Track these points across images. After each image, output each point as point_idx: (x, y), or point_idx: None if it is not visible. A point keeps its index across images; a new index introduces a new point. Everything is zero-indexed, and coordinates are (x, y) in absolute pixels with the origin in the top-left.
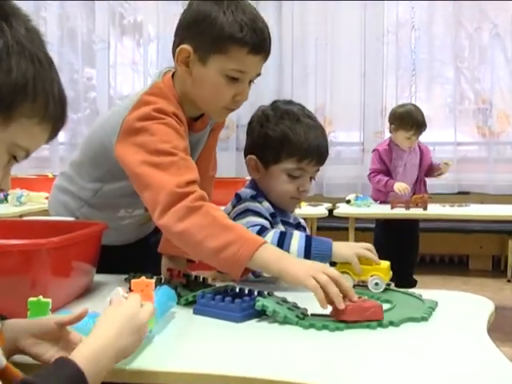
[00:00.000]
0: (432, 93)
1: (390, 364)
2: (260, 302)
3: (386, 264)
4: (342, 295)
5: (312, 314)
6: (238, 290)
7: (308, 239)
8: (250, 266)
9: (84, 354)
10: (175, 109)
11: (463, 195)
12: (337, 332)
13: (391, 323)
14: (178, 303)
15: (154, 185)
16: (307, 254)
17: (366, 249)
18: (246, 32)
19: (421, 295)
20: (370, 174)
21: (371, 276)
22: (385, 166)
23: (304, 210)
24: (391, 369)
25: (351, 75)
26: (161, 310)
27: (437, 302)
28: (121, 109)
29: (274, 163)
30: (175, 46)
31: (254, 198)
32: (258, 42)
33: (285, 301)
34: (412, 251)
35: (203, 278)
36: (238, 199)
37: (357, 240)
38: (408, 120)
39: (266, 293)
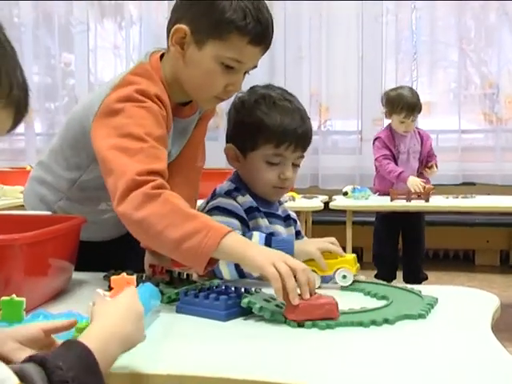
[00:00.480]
0: (435, 77)
1: (383, 364)
2: (246, 299)
3: (351, 256)
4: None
5: None
6: (223, 287)
7: (268, 239)
8: (215, 255)
9: (91, 341)
10: (159, 91)
11: (468, 186)
12: (327, 330)
13: (386, 321)
14: (160, 301)
15: (117, 170)
16: None
17: (329, 243)
18: (249, 20)
19: (420, 291)
20: (378, 158)
21: (338, 269)
22: (390, 152)
23: (298, 202)
24: (384, 369)
25: (348, 59)
26: (144, 308)
27: (437, 299)
28: (102, 89)
29: (252, 150)
30: (171, 23)
31: (229, 194)
32: (261, 32)
33: (273, 298)
34: (416, 245)
35: (187, 275)
36: (213, 195)
37: (356, 235)
38: (398, 103)
39: (253, 289)
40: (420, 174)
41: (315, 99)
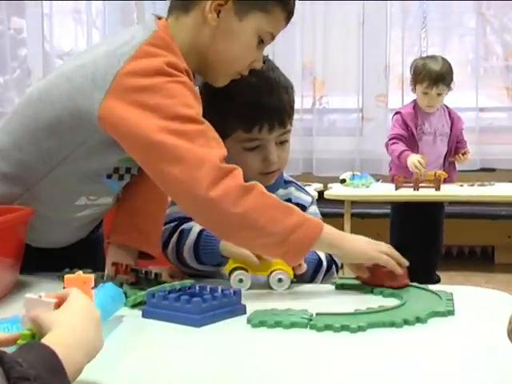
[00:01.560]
0: (448, 47)
1: (430, 366)
2: (256, 321)
3: None
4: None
5: (318, 314)
6: (197, 287)
7: (199, 235)
8: (315, 246)
9: (55, 346)
10: (186, 66)
11: (487, 172)
12: (359, 333)
13: (418, 319)
14: (124, 304)
15: (189, 157)
16: (196, 251)
17: None
18: None
19: (428, 287)
20: (389, 140)
21: (273, 271)
22: (408, 131)
23: None
24: (430, 372)
25: (347, 25)
26: (104, 313)
27: (451, 293)
28: (102, 60)
29: (224, 138)
30: None
31: None
32: (293, 10)
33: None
34: (434, 241)
35: (156, 274)
36: None
37: (355, 229)
38: (420, 70)
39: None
40: (450, 164)
41: (308, 72)
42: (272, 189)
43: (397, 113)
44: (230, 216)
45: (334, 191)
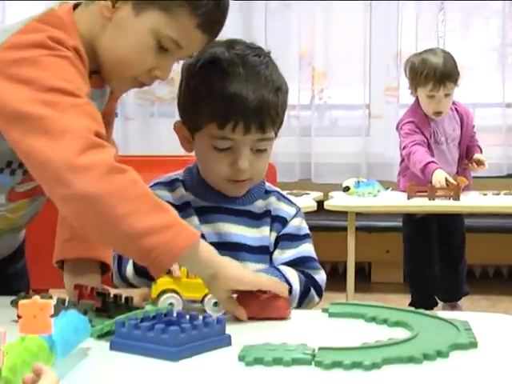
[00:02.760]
0: (471, 32)
1: None
2: (250, 358)
3: None
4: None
5: (322, 348)
6: (174, 314)
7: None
8: (185, 259)
9: None
10: (77, 44)
11: None
12: (374, 371)
13: (439, 353)
14: (90, 335)
15: (53, 127)
16: (136, 265)
17: None
18: (206, 1)
19: (437, 314)
20: (410, 147)
21: (207, 294)
22: (425, 138)
23: None
24: None
25: (352, 8)
26: (65, 345)
27: (467, 322)
28: None
29: (196, 130)
30: None
31: (164, 184)
32: (215, 18)
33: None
34: (458, 253)
35: (126, 298)
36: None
37: (361, 245)
38: (420, 69)
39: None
40: (463, 170)
41: (306, 62)
42: (248, 200)
43: (408, 122)
44: (86, 194)
45: (336, 201)
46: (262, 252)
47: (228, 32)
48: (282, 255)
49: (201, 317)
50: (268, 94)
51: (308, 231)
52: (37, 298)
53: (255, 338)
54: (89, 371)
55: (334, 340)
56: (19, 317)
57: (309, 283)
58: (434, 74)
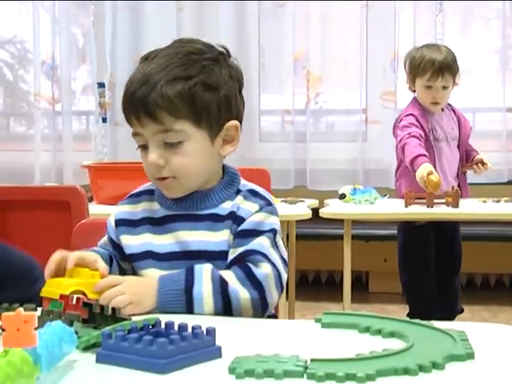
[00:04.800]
0: (471, 34)
1: None
2: (240, 370)
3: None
4: None
5: (314, 360)
6: (163, 326)
7: None
8: None
9: None
10: None
11: None
12: (368, 383)
13: (435, 365)
14: (76, 347)
15: None
16: None
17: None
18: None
19: (432, 324)
20: (406, 139)
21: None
22: (423, 132)
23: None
24: None
25: (347, 8)
26: (51, 358)
27: (464, 332)
28: None
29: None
30: None
31: (132, 196)
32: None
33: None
34: (455, 267)
35: (113, 309)
36: None
37: (358, 254)
38: (419, 61)
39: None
40: (463, 178)
41: (301, 65)
42: (213, 202)
43: (408, 115)
44: None
45: (332, 209)
46: (222, 257)
47: (221, 35)
48: (233, 255)
49: (190, 328)
50: (157, 82)
51: (275, 227)
52: (20, 310)
53: (246, 349)
54: None
55: (326, 351)
56: (2, 329)
57: (228, 282)
58: (432, 64)
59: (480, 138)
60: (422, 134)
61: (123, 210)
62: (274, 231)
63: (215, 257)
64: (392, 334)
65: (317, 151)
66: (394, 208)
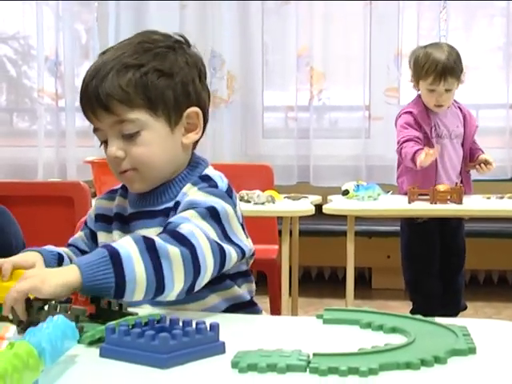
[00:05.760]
0: (475, 31)
1: None
2: (243, 364)
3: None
4: None
5: (316, 354)
6: (168, 321)
7: None
8: None
9: None
10: None
11: None
12: (370, 377)
13: (437, 359)
14: (79, 342)
15: None
16: None
17: None
18: None
19: (434, 320)
20: (402, 143)
21: None
22: (422, 134)
23: (279, 205)
24: None
25: (350, 5)
26: (54, 352)
27: (465, 327)
28: None
29: None
30: None
31: (109, 193)
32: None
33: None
34: (458, 263)
35: (120, 305)
36: None
37: (361, 250)
38: (423, 62)
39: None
40: (466, 175)
41: (304, 61)
42: (170, 196)
43: (406, 112)
44: None
45: (335, 205)
46: None
47: (224, 31)
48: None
49: (194, 323)
50: (108, 72)
51: (214, 205)
52: None
53: (248, 344)
54: (78, 379)
55: (328, 346)
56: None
57: (155, 239)
58: (435, 67)
59: (483, 135)
60: (419, 136)
61: (101, 204)
62: (210, 209)
63: None
64: (394, 330)
65: (320, 147)
66: (398, 204)
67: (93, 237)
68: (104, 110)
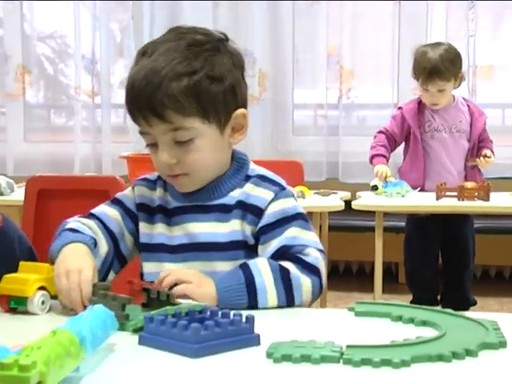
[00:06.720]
0: (502, 31)
1: None
2: (278, 355)
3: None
4: None
5: (350, 346)
6: (208, 312)
7: None
8: None
9: None
10: None
11: None
12: (403, 369)
13: (468, 352)
14: (124, 329)
15: None
16: None
17: None
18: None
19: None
20: (375, 135)
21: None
22: (402, 131)
23: (309, 200)
24: None
25: (380, 5)
26: (94, 340)
27: (496, 322)
28: None
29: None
30: None
31: (148, 181)
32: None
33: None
34: (463, 258)
35: (167, 295)
36: None
37: (388, 245)
38: (418, 61)
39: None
40: (473, 168)
41: (334, 60)
42: (221, 192)
43: (399, 108)
44: None
45: (364, 201)
46: (234, 248)
47: (255, 32)
48: (266, 250)
49: (231, 315)
50: (161, 80)
51: (299, 210)
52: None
53: (282, 335)
54: (116, 366)
55: (361, 338)
56: None
57: (290, 270)
58: (424, 69)
59: (509, 134)
60: (393, 131)
61: (142, 192)
62: (298, 216)
63: (225, 248)
64: (424, 323)
65: (348, 144)
66: (425, 201)
67: (132, 220)
68: (157, 117)
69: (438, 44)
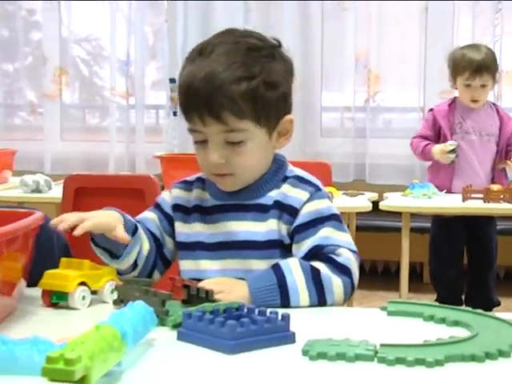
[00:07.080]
0: None
1: None
2: (313, 352)
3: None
4: None
5: (384, 345)
6: (245, 309)
7: None
8: None
9: None
10: None
11: None
12: (437, 368)
13: (501, 353)
14: (163, 324)
15: None
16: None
17: None
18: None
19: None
20: (412, 139)
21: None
22: (435, 132)
23: (338, 201)
24: None
25: (407, 10)
26: (135, 335)
27: None
28: None
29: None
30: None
31: (184, 183)
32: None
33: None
34: (486, 259)
35: (206, 292)
36: None
37: (414, 245)
38: (460, 60)
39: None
40: (500, 172)
41: (362, 64)
42: (260, 192)
43: (430, 110)
44: None
45: (391, 202)
46: (270, 247)
47: (285, 34)
48: (299, 249)
49: (267, 312)
50: (221, 82)
51: (333, 211)
52: None
53: (316, 333)
54: (156, 360)
55: (394, 337)
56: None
57: (321, 270)
58: (471, 63)
59: None
60: (428, 134)
61: (179, 194)
62: (333, 217)
63: (263, 247)
64: (456, 323)
65: (376, 146)
66: (452, 202)
67: (168, 222)
68: (213, 118)
69: (476, 45)
